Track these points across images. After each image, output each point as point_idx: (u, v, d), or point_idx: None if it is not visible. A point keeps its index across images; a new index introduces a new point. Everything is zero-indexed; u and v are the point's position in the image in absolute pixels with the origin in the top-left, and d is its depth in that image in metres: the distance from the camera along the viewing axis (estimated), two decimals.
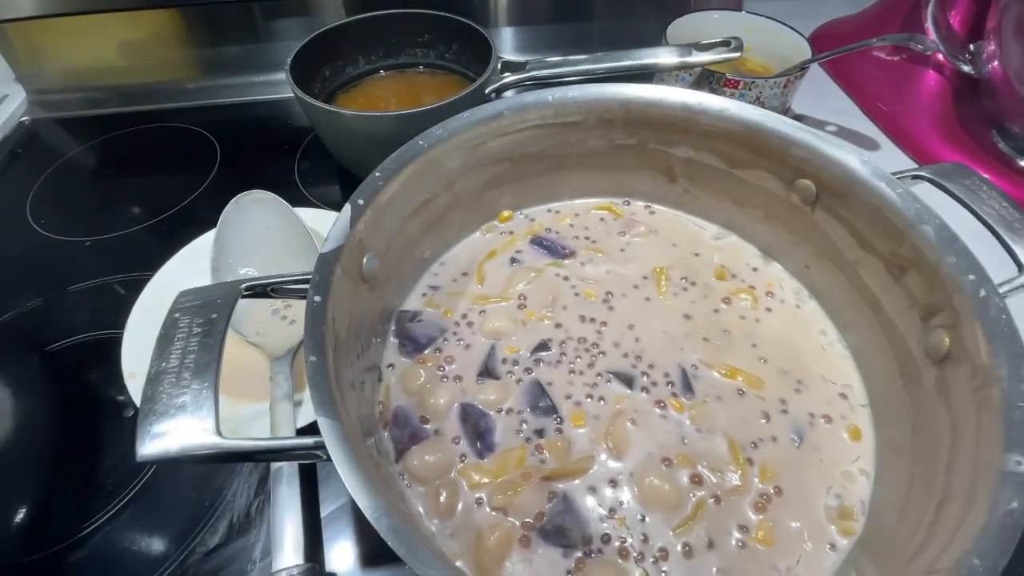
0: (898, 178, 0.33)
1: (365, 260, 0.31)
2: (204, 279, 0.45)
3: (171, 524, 0.38)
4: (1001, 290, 0.28)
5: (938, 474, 0.25)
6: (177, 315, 0.26)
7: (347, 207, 0.29)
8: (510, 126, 0.38)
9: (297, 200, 0.49)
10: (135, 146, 0.67)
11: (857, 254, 0.34)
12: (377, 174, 0.32)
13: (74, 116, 0.71)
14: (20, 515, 0.38)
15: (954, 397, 0.26)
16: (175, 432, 0.23)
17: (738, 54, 0.51)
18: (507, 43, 0.82)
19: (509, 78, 0.54)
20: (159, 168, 0.65)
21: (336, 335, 0.26)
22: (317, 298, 0.26)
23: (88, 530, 0.37)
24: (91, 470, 0.40)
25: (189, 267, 0.47)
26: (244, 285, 0.28)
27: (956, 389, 0.26)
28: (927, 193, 0.33)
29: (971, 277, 0.27)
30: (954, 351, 0.27)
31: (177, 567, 0.35)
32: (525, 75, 0.54)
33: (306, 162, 0.62)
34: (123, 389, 0.40)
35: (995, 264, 0.29)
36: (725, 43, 0.51)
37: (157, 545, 0.37)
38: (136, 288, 0.46)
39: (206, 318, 0.26)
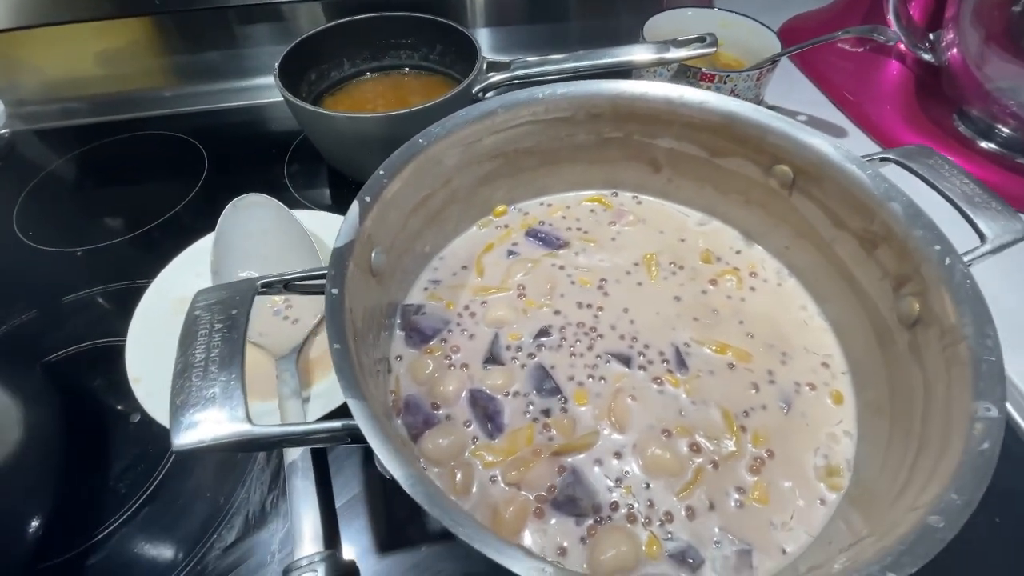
0: (868, 159, 0.36)
1: (373, 255, 0.32)
2: (203, 283, 0.45)
3: (187, 523, 0.38)
4: (967, 258, 0.31)
5: (915, 425, 0.27)
6: (198, 312, 0.27)
7: (355, 204, 0.31)
8: (504, 123, 0.39)
9: (289, 203, 0.50)
10: (118, 155, 0.67)
11: (832, 232, 0.36)
12: (381, 171, 0.33)
13: (54, 127, 0.71)
14: (35, 522, 0.38)
15: (926, 357, 0.29)
16: (207, 422, 0.24)
17: (713, 49, 0.53)
18: (485, 43, 0.84)
19: (495, 77, 0.56)
20: (146, 176, 0.65)
21: (354, 324, 0.27)
22: (335, 290, 0.27)
23: (103, 534, 0.38)
24: (103, 475, 0.40)
25: (187, 271, 0.47)
26: (260, 282, 0.29)
27: (927, 349, 0.29)
28: (894, 174, 0.36)
29: (937, 247, 0.29)
30: (924, 315, 0.29)
31: (197, 563, 0.36)
32: (510, 74, 0.56)
33: (295, 165, 0.63)
34: (127, 395, 0.41)
35: (959, 236, 0.32)
36: (700, 39, 0.54)
37: (175, 544, 0.38)
38: (130, 296, 0.46)
39: (226, 314, 0.27)
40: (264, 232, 0.46)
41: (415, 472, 0.21)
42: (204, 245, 0.47)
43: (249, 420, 0.24)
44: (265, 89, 0.73)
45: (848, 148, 0.34)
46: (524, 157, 0.43)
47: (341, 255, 0.28)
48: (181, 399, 0.24)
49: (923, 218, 0.31)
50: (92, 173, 0.65)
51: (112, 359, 0.43)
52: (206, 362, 0.25)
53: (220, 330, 0.27)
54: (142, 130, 0.69)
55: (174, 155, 0.65)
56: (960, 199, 0.34)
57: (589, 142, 0.43)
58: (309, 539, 0.34)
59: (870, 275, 0.34)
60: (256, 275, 0.46)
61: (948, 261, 0.29)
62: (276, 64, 0.55)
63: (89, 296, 0.52)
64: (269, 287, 0.29)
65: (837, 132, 0.64)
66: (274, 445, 0.24)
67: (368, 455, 0.40)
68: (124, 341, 0.43)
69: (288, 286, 0.29)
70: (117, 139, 0.68)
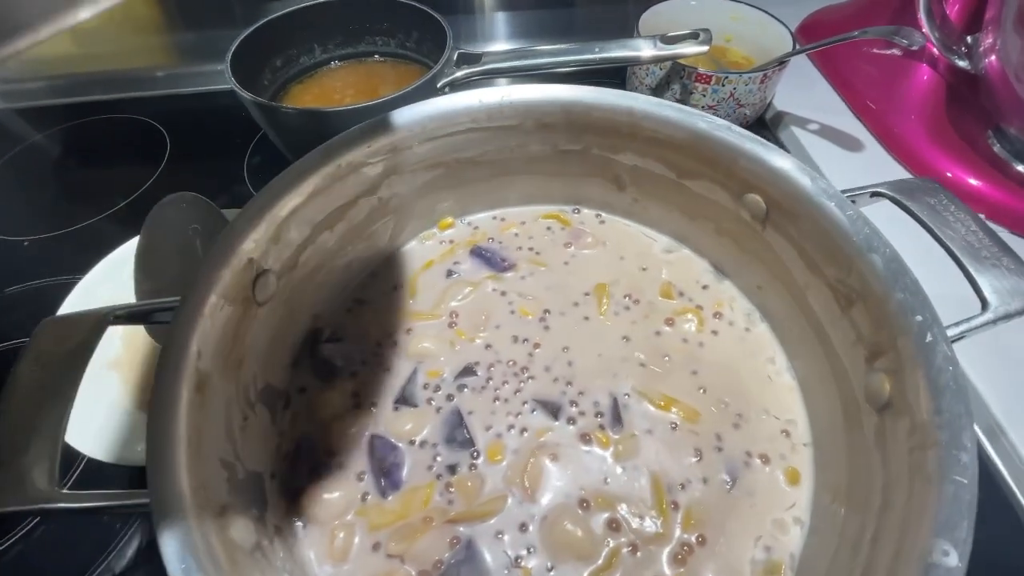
0: (855, 194, 0.30)
1: (259, 280, 0.28)
2: (131, 284, 0.43)
3: (81, 547, 0.36)
4: (960, 329, 0.25)
5: (863, 543, 0.22)
6: (35, 348, 0.24)
7: (230, 225, 0.27)
8: (437, 130, 0.35)
9: (245, 198, 0.46)
10: (81, 140, 0.64)
11: (806, 278, 0.31)
12: (275, 184, 0.29)
13: (30, 107, 0.69)
14: None
15: (891, 453, 0.23)
16: (8, 486, 0.21)
17: (705, 48, 0.47)
18: (499, 30, 0.78)
19: (463, 71, 0.51)
20: (105, 163, 0.62)
21: (199, 372, 0.23)
22: (177, 332, 0.23)
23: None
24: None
25: (120, 270, 0.44)
26: (114, 314, 0.25)
27: (894, 444, 0.23)
28: (892, 213, 0.30)
29: (919, 318, 0.24)
30: (895, 400, 0.24)
31: None
32: (480, 68, 0.50)
33: (257, 157, 0.59)
34: None
35: (959, 297, 0.26)
36: (693, 35, 0.47)
37: (67, 569, 0.35)
38: (67, 291, 0.44)
39: (67, 352, 0.24)
40: (194, 234, 0.43)
41: None
42: (134, 245, 0.44)
43: (57, 485, 0.21)
44: None
45: (828, 181, 0.28)
46: (469, 167, 0.38)
47: (196, 289, 0.25)
48: None
49: (907, 278, 0.25)
50: (49, 160, 0.63)
51: None
52: (27, 408, 0.22)
53: (55, 369, 0.23)
54: (109, 113, 0.66)
55: (136, 142, 0.62)
56: (964, 251, 0.28)
57: (543, 154, 0.38)
58: None
59: (843, 336, 0.28)
60: (182, 280, 0.43)
61: (930, 337, 0.23)
62: (230, 49, 0.51)
63: (32, 288, 0.50)
64: (123, 318, 0.25)
65: (852, 144, 0.57)
66: (83, 514, 0.21)
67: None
68: None
69: (145, 317, 0.26)
70: (80, 123, 0.65)
